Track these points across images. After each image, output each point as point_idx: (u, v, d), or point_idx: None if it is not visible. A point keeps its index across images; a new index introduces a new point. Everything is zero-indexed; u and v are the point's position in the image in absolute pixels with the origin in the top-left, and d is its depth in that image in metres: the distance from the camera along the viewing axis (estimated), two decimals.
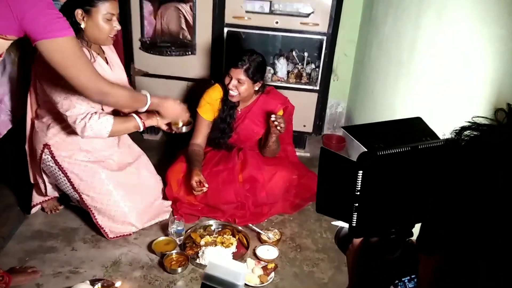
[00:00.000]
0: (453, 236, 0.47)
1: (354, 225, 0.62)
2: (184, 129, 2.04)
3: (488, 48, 1.37)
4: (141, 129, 1.97)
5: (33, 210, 2.21)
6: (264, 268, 1.92)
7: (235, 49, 2.69)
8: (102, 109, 1.92)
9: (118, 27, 1.88)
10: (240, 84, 2.21)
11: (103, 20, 1.83)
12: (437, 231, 0.50)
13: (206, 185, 2.13)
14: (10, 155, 2.58)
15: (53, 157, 1.95)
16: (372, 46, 2.66)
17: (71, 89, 1.69)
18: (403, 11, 2.15)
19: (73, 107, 1.80)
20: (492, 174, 0.44)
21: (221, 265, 0.69)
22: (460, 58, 1.56)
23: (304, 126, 2.88)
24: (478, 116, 0.49)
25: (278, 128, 2.17)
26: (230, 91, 2.24)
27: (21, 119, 2.55)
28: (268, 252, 2.02)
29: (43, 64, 1.72)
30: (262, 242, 2.10)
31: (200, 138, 2.38)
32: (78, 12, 1.80)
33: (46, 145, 1.95)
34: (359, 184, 0.59)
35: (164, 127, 2.02)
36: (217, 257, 0.69)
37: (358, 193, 0.59)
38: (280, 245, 2.11)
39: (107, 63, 2.02)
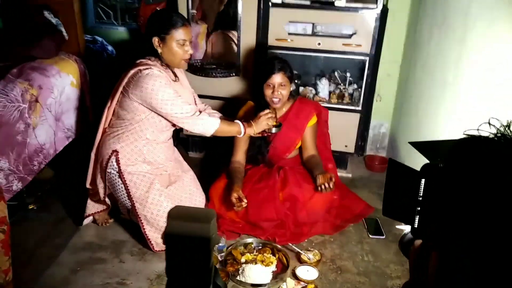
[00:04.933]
0: (445, 237, 0.58)
1: (416, 226, 0.69)
2: (274, 130, 2.25)
3: None
4: (242, 135, 2.20)
5: (85, 221, 2.33)
6: None
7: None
8: (200, 111, 2.17)
9: (191, 51, 2.08)
10: (283, 87, 2.30)
11: (177, 46, 2.04)
12: (434, 232, 0.62)
13: (245, 201, 2.17)
14: (65, 170, 2.76)
15: (118, 163, 2.08)
16: (416, 66, 2.63)
17: (175, 97, 2.01)
18: (448, 29, 2.12)
19: (182, 109, 2.03)
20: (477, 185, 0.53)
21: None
22: (510, 78, 1.52)
23: (346, 146, 2.87)
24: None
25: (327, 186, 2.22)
26: (274, 99, 2.31)
27: (77, 137, 2.74)
28: (308, 272, 2.02)
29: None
30: (301, 262, 2.10)
31: (240, 155, 2.45)
32: (155, 40, 2.04)
33: (115, 151, 2.08)
34: (422, 190, 0.67)
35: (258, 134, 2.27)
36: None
37: (421, 198, 0.67)
38: (320, 266, 2.09)
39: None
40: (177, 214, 0.59)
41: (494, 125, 0.57)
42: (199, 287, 0.59)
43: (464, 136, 0.60)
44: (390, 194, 0.76)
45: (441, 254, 0.60)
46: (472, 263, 0.54)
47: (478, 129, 0.60)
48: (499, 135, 0.56)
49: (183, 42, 2.03)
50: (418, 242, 0.74)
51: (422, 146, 0.84)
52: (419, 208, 0.67)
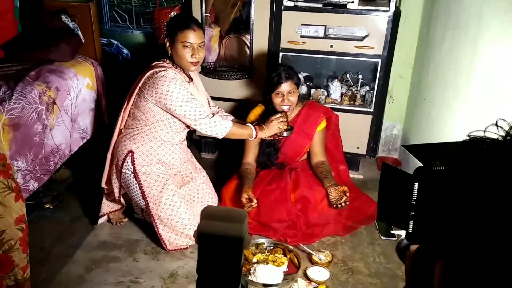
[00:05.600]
0: (451, 244, 0.57)
1: (411, 231, 0.68)
2: (285, 134, 2.28)
3: None
4: (253, 139, 2.23)
5: (100, 221, 2.38)
6: None
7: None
8: (213, 113, 2.19)
9: (198, 55, 2.10)
10: (291, 94, 2.32)
11: (181, 48, 2.07)
12: (439, 240, 0.60)
13: (255, 201, 2.20)
14: (82, 170, 2.81)
15: (133, 164, 2.12)
16: (429, 68, 2.62)
17: (190, 99, 2.05)
18: (461, 32, 2.12)
19: (195, 111, 2.07)
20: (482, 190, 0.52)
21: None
22: None
23: (358, 148, 2.87)
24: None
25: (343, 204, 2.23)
26: (284, 107, 2.33)
27: (92, 137, 2.79)
28: (319, 273, 2.02)
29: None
30: (313, 263, 2.11)
31: (251, 157, 2.48)
32: (166, 42, 2.11)
33: (131, 152, 2.13)
34: (415, 194, 0.65)
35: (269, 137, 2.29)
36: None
37: (414, 202, 0.66)
38: (332, 267, 2.10)
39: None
40: (209, 214, 0.60)
41: (501, 127, 0.56)
42: (228, 286, 0.60)
43: (468, 137, 0.58)
44: (384, 198, 0.75)
45: (445, 262, 0.58)
46: (480, 269, 0.52)
47: (484, 131, 0.58)
48: (508, 137, 0.54)
49: (188, 45, 2.06)
50: (413, 247, 0.73)
51: (415, 149, 0.82)
52: (413, 213, 0.66)
